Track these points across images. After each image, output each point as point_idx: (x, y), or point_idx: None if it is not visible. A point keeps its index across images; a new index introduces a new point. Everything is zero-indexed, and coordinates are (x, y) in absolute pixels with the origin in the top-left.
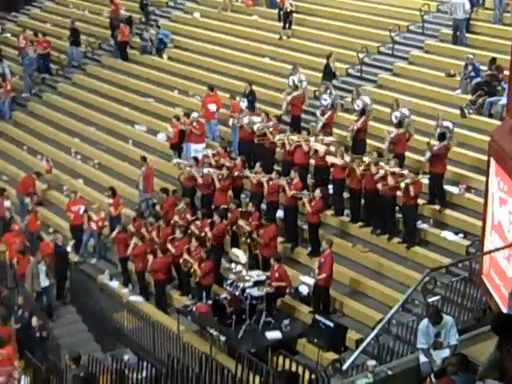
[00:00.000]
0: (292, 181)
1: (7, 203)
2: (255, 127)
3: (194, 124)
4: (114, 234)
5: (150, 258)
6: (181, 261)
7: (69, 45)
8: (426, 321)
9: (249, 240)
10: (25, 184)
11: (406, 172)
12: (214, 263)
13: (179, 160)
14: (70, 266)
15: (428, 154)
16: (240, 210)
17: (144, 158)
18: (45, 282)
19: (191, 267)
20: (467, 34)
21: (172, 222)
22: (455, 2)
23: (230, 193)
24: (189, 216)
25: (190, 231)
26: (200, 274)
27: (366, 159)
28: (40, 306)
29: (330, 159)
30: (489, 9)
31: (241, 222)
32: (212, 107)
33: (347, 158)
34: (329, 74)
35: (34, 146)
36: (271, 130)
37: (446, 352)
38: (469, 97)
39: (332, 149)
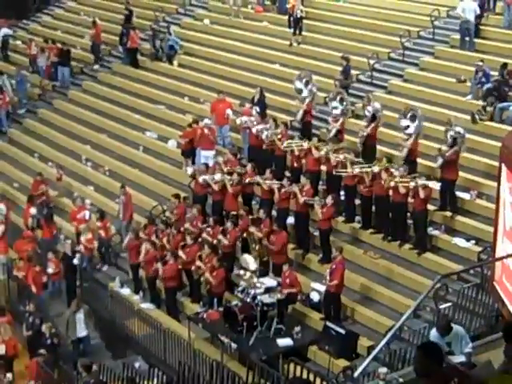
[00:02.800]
0: (303, 187)
1: (33, 211)
2: (263, 135)
3: (206, 130)
4: (126, 241)
5: (160, 265)
6: (193, 268)
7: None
8: (435, 330)
9: (257, 247)
10: (35, 189)
11: (417, 179)
12: (225, 270)
13: (193, 167)
14: (80, 273)
15: (440, 161)
16: (251, 217)
17: (122, 186)
18: (82, 331)
19: (202, 275)
20: (477, 40)
21: (183, 228)
22: (467, 6)
23: (240, 199)
24: (199, 223)
25: (201, 238)
26: (215, 282)
27: (376, 168)
28: (77, 353)
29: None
30: (499, 14)
31: (252, 229)
32: (229, 112)
33: (356, 169)
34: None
35: (45, 153)
36: (279, 136)
37: (462, 358)
38: (480, 102)
39: (341, 156)
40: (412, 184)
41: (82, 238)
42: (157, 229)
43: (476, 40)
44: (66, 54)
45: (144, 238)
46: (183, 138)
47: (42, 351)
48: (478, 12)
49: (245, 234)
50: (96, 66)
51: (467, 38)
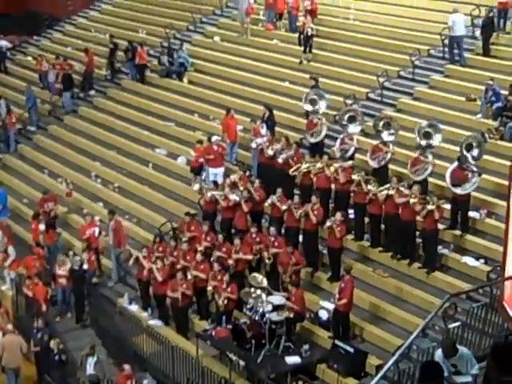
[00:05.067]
0: (314, 206)
1: (42, 227)
2: (280, 159)
3: (215, 148)
4: (133, 258)
5: (170, 283)
6: (209, 288)
7: (62, 91)
8: (440, 351)
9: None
10: (41, 206)
11: (428, 198)
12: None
13: (201, 185)
14: (88, 288)
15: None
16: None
17: (112, 212)
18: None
19: (219, 295)
20: (487, 58)
21: (201, 248)
22: (457, 19)
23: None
24: (209, 239)
25: (213, 257)
26: (234, 297)
27: (391, 191)
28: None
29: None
30: (509, 33)
31: (274, 250)
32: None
33: (370, 186)
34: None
35: (54, 169)
36: (295, 158)
37: (468, 378)
38: (489, 121)
39: (354, 176)
40: (429, 207)
41: (59, 271)
42: (167, 246)
43: (486, 59)
44: (68, 78)
45: (156, 254)
46: (198, 156)
47: None
48: (467, 25)
49: (266, 255)
50: (106, 86)
51: (456, 51)
